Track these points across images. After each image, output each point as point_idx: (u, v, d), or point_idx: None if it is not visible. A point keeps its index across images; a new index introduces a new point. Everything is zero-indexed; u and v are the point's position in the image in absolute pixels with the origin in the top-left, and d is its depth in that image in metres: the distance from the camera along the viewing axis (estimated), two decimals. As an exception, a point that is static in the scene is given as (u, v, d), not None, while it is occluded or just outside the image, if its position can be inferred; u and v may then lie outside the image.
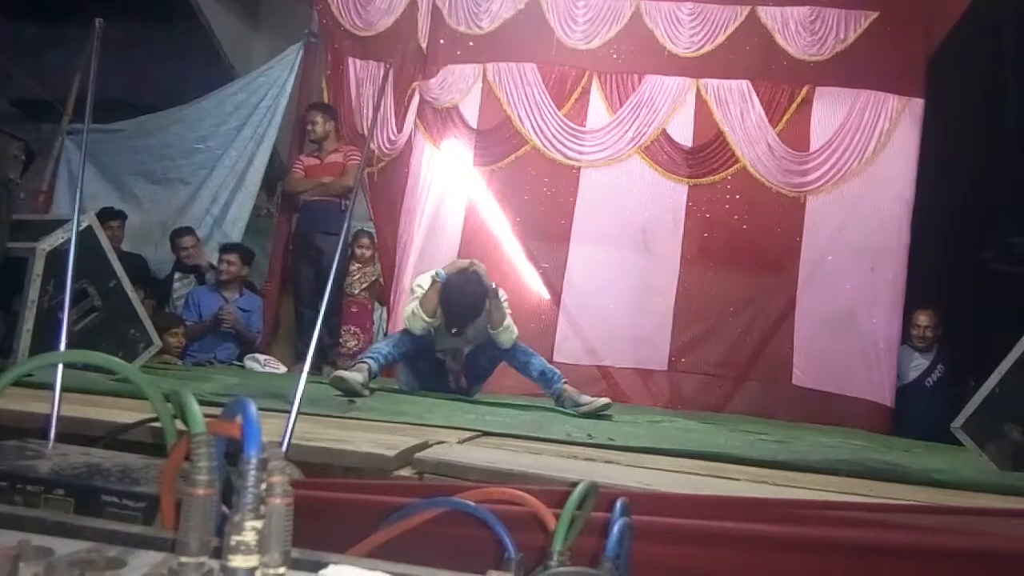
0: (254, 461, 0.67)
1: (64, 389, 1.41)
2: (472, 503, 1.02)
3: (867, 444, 3.56)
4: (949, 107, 5.49)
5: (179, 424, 0.89)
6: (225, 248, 5.64)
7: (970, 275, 5.80)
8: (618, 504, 1.00)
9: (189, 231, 5.84)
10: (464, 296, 3.74)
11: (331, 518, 1.14)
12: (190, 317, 5.36)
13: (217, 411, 0.83)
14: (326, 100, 5.99)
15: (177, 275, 5.78)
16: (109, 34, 2.23)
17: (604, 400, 3.65)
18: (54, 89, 6.43)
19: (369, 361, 3.56)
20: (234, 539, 0.66)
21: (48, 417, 1.30)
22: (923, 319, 5.34)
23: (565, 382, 3.80)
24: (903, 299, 5.31)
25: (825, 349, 5.40)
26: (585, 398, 3.67)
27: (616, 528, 0.94)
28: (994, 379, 2.61)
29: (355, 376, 3.35)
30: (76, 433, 1.46)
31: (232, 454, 0.79)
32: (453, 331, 3.79)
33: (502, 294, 3.88)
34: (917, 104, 5.41)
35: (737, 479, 1.86)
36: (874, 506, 1.56)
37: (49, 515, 0.88)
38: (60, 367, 1.36)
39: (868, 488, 1.90)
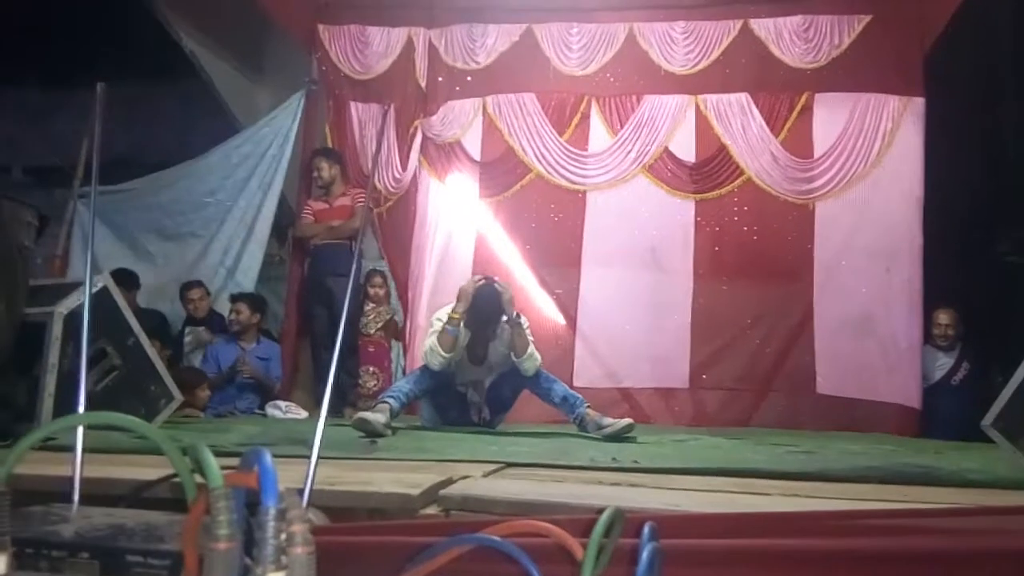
0: (272, 512, 0.67)
1: (87, 450, 1.41)
2: (498, 538, 1.01)
3: (897, 448, 3.50)
4: (952, 103, 5.48)
5: (199, 478, 0.89)
6: (233, 298, 5.68)
7: (987, 270, 5.75)
8: (646, 529, 0.99)
9: (197, 284, 5.90)
10: (486, 299, 3.77)
11: (358, 562, 1.13)
12: (210, 370, 5.39)
13: (238, 462, 0.83)
14: (330, 145, 6.06)
15: (187, 329, 5.82)
16: (114, 96, 2.26)
17: (627, 421, 3.62)
18: (63, 154, 6.54)
19: (390, 401, 3.57)
20: (257, 592, 0.65)
21: (71, 480, 1.30)
22: (943, 318, 5.28)
23: (588, 406, 3.78)
24: (921, 299, 5.25)
25: (847, 355, 5.34)
26: (608, 420, 3.65)
27: (645, 554, 0.92)
28: (1021, 373, 2.56)
29: (377, 417, 3.35)
30: (101, 493, 1.46)
31: (253, 504, 0.79)
32: (481, 335, 3.76)
33: (524, 321, 3.88)
34: (918, 103, 5.39)
35: (768, 494, 1.83)
36: (910, 512, 1.53)
37: (75, 579, 0.87)
38: (80, 429, 1.36)
39: (902, 494, 1.87)
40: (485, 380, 3.94)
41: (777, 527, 1.26)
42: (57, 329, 2.98)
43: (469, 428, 3.82)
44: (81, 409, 1.59)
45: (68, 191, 6.13)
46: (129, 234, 6.33)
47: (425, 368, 3.84)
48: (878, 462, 2.59)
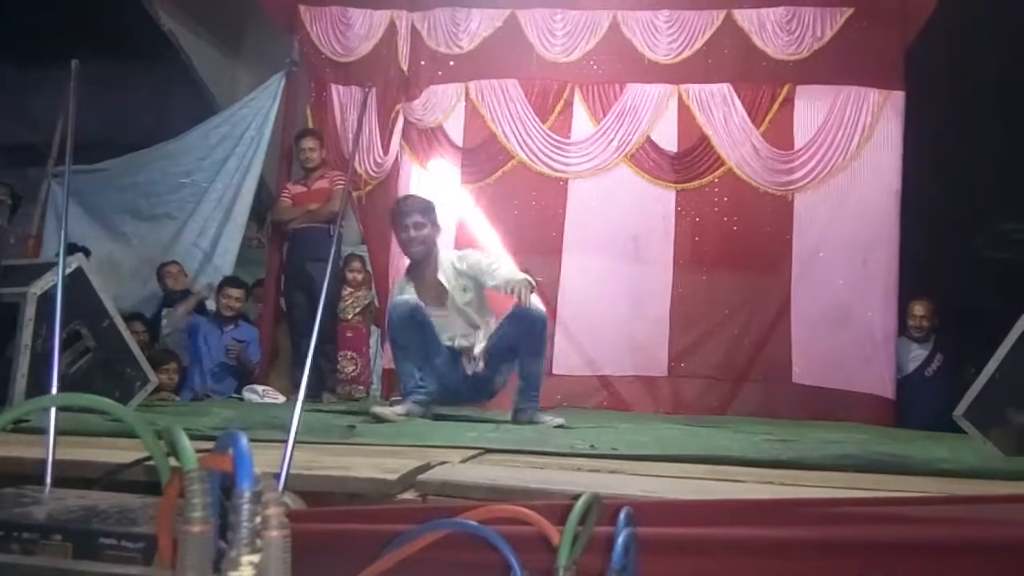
0: (247, 495, 0.66)
1: (61, 432, 1.40)
2: (475, 523, 1.01)
3: (871, 438, 3.54)
4: (931, 97, 5.52)
5: (173, 461, 0.88)
6: (230, 281, 5.61)
7: (963, 263, 5.81)
8: (621, 514, 0.99)
9: (172, 261, 5.86)
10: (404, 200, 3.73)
11: (335, 547, 1.13)
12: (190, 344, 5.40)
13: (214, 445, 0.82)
14: (311, 127, 6.00)
15: (164, 311, 5.76)
16: (90, 74, 2.23)
17: (559, 420, 3.49)
18: (39, 133, 6.43)
19: (419, 398, 3.47)
20: (231, 575, 0.65)
21: (43, 462, 1.29)
22: (918, 310, 5.35)
23: (538, 409, 3.61)
24: (897, 291, 5.31)
25: (823, 345, 5.40)
26: (545, 416, 3.53)
27: (620, 539, 0.93)
28: (992, 365, 2.60)
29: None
30: (75, 476, 1.44)
31: (229, 488, 0.78)
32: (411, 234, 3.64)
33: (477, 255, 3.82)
34: (898, 96, 5.43)
35: (743, 481, 1.85)
36: (883, 500, 1.55)
37: (47, 562, 0.87)
38: (53, 411, 1.35)
39: (875, 482, 1.89)
40: (470, 334, 3.69)
41: (752, 515, 1.27)
42: (30, 310, 2.95)
43: (453, 408, 3.72)
44: (54, 391, 1.57)
45: (42, 170, 6.03)
46: (103, 215, 6.25)
47: (393, 341, 3.64)
48: (852, 451, 2.62)
